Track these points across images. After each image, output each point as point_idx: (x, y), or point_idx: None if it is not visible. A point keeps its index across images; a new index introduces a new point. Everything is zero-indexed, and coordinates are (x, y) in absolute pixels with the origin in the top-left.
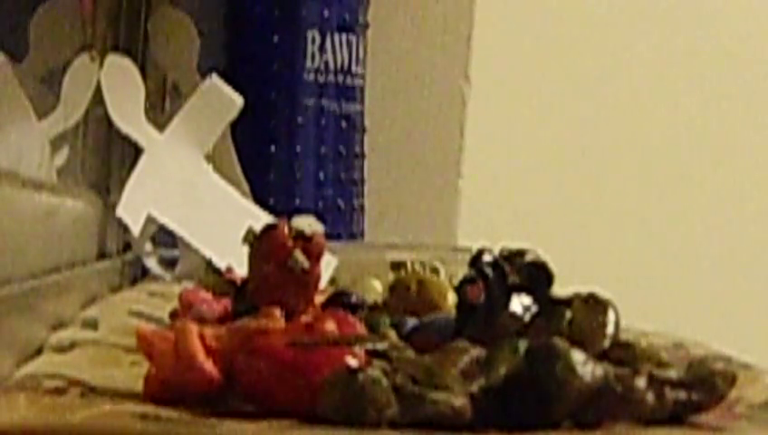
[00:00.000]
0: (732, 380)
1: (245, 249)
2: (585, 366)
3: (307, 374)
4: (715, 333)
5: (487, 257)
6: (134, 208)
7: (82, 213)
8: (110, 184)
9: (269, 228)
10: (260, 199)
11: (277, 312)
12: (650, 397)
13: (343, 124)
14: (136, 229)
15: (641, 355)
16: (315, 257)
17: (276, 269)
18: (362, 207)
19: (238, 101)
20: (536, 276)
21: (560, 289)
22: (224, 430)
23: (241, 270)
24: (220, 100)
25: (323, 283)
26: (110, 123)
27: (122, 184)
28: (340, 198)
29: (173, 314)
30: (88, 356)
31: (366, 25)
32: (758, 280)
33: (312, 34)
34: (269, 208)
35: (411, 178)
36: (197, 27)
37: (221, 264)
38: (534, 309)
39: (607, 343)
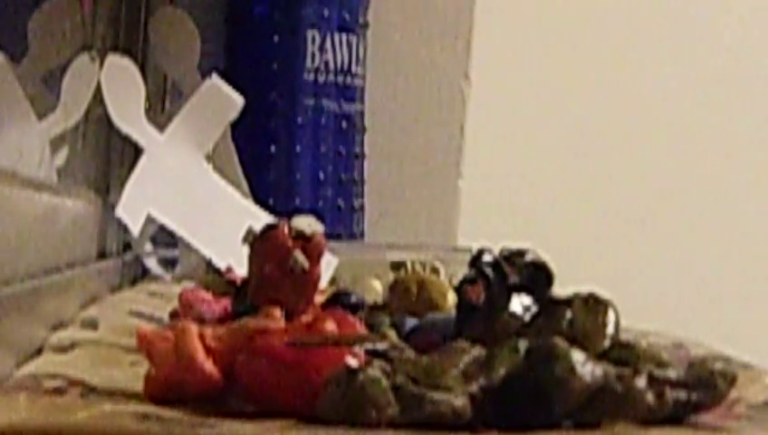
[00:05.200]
0: (732, 380)
1: (245, 249)
2: (585, 366)
3: (307, 374)
4: (715, 333)
5: (487, 257)
6: (134, 208)
7: (82, 213)
8: (110, 184)
9: (269, 228)
10: (260, 199)
11: (277, 312)
12: (650, 397)
13: (343, 124)
14: (136, 229)
15: (641, 355)
16: (315, 257)
17: (276, 269)
18: (362, 207)
19: (238, 101)
20: (536, 276)
21: (560, 289)
22: (224, 430)
23: (241, 270)
24: (220, 100)
25: (323, 283)
26: (110, 123)
27: (122, 184)
28: (340, 198)
29: (173, 314)
30: (88, 356)
31: (366, 25)
32: (758, 280)
33: (312, 34)
34: (269, 208)
35: (411, 178)
36: (197, 27)
37: (221, 264)
38: (534, 309)
39: (607, 343)
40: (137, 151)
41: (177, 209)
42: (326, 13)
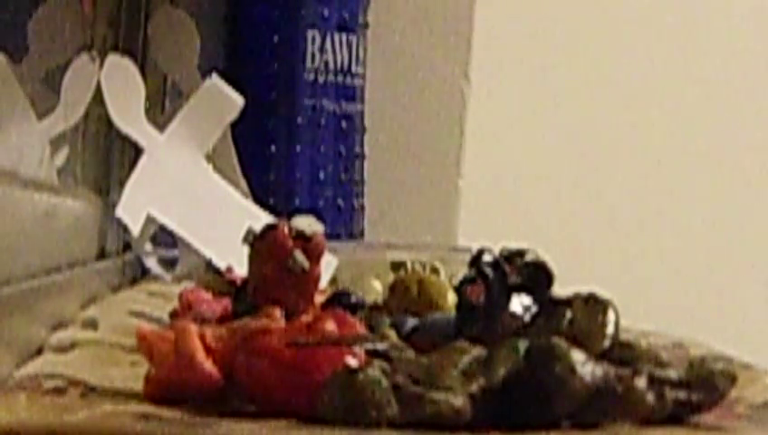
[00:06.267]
0: (732, 380)
1: (245, 249)
2: (585, 366)
3: (307, 374)
4: (715, 333)
5: (487, 257)
6: (134, 208)
7: (82, 213)
8: (110, 184)
9: (269, 228)
10: (260, 199)
11: (277, 312)
12: (650, 397)
13: (343, 124)
14: (136, 229)
15: (641, 355)
16: (315, 257)
17: (276, 269)
18: (362, 207)
19: (238, 101)
20: (536, 276)
21: (560, 289)
22: (224, 430)
23: (241, 270)
24: (220, 100)
25: (323, 283)
26: (110, 123)
27: (122, 184)
28: (340, 198)
29: (173, 314)
30: (88, 356)
31: (366, 25)
32: (758, 280)
33: (312, 34)
34: (269, 208)
35: (411, 178)
36: (197, 27)
37: (221, 264)
38: (534, 309)
39: (607, 343)
40: (137, 151)
41: (177, 209)
42: (326, 13)
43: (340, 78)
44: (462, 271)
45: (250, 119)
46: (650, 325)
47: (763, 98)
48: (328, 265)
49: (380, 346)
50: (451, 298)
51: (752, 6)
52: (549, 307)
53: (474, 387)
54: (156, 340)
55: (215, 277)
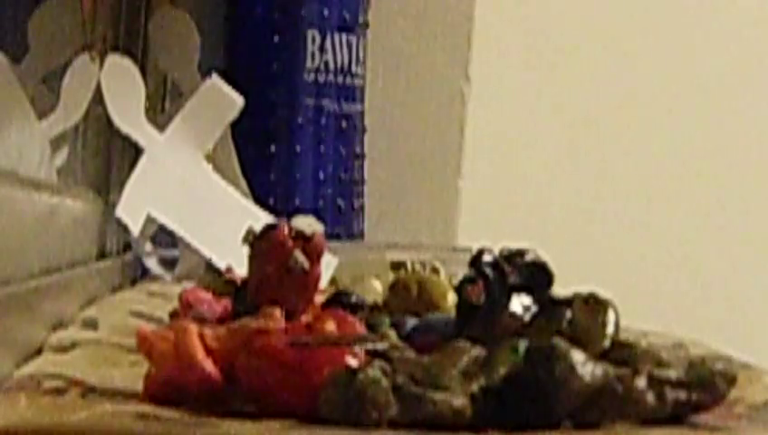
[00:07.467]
0: (732, 380)
1: (245, 249)
2: (585, 366)
3: (307, 374)
4: (715, 333)
5: (487, 257)
6: (134, 208)
7: (82, 213)
8: (110, 184)
9: (269, 228)
10: (260, 199)
11: (277, 312)
12: (650, 397)
13: (343, 124)
14: (136, 229)
15: (641, 355)
16: (315, 257)
17: (276, 269)
18: (362, 207)
19: (238, 101)
20: (536, 276)
21: (560, 289)
22: (224, 430)
23: (241, 270)
24: (220, 100)
25: (323, 283)
26: (110, 123)
27: (122, 184)
28: (340, 198)
29: (173, 314)
30: (88, 356)
31: (366, 25)
32: (758, 280)
33: (312, 34)
34: (269, 208)
35: (411, 178)
36: (197, 27)
37: (221, 264)
38: (534, 309)
39: (607, 343)
40: (137, 151)
41: (177, 209)
42: (326, 13)
43: (340, 78)
44: (462, 271)
45: (250, 119)
46: (650, 325)
47: (763, 98)
48: (328, 265)
49: (380, 346)
50: (451, 298)
51: (751, 6)
52: (549, 307)
53: (474, 387)
54: (156, 340)
55: (215, 277)
